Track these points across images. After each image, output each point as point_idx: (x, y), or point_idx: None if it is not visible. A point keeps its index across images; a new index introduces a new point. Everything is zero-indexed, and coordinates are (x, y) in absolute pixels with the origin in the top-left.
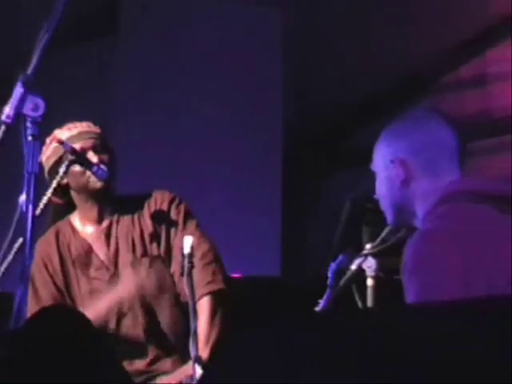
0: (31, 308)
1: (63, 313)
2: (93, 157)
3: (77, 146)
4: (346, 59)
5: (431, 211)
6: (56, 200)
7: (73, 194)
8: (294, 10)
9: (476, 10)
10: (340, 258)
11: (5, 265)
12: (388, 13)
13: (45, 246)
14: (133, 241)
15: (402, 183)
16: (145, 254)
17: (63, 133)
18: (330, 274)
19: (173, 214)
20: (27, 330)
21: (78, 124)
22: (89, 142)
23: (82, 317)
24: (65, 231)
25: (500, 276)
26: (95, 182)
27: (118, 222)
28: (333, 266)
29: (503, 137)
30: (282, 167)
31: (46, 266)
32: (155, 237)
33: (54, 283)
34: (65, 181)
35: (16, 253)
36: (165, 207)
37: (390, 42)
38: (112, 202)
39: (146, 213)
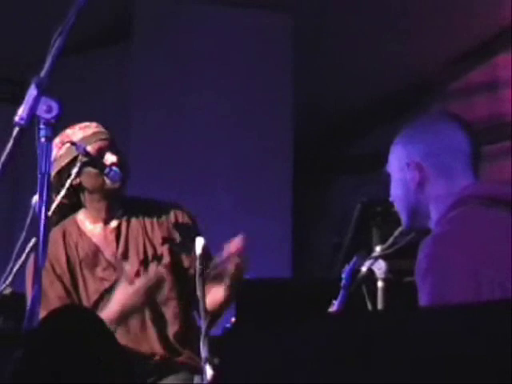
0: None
1: (77, 313)
2: (111, 156)
3: (94, 146)
4: (355, 64)
5: (445, 215)
6: (63, 200)
7: (85, 193)
8: (304, 14)
9: (486, 15)
10: (354, 259)
11: (18, 265)
12: (397, 17)
13: (52, 247)
14: (144, 245)
15: (417, 186)
16: (154, 258)
17: (76, 133)
18: (344, 275)
19: (190, 233)
20: (41, 330)
21: (88, 124)
22: (105, 142)
23: (96, 317)
24: (71, 231)
25: None
26: (113, 183)
27: (128, 223)
28: (348, 267)
29: None
30: (293, 170)
31: (53, 267)
32: (166, 246)
33: (62, 284)
34: (77, 181)
35: (29, 253)
36: (184, 223)
37: (399, 48)
38: (122, 202)
39: (164, 222)
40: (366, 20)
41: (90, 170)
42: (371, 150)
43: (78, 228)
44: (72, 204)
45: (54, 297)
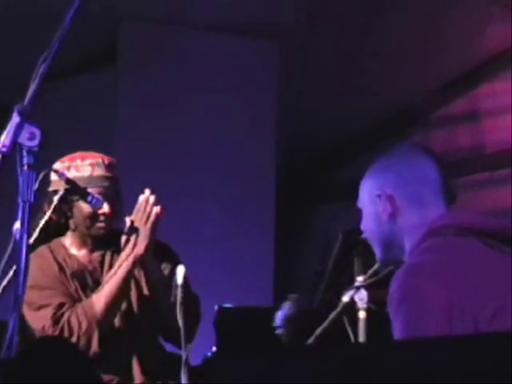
0: (42, 313)
1: (56, 343)
2: (107, 207)
3: (95, 190)
4: (341, 92)
5: (418, 245)
6: (52, 216)
7: (72, 222)
8: (290, 41)
9: (468, 45)
10: (286, 304)
11: None
12: (382, 46)
13: (41, 258)
14: None
15: (390, 217)
16: (136, 288)
17: (85, 168)
18: (278, 321)
19: (168, 265)
20: (19, 359)
21: (99, 161)
22: (107, 190)
23: (75, 349)
24: (58, 251)
25: (485, 310)
26: (97, 229)
27: (111, 254)
28: (280, 312)
29: (497, 171)
30: (277, 196)
31: (49, 269)
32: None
33: (61, 282)
34: (67, 207)
35: (9, 282)
36: (164, 253)
37: (382, 78)
38: (106, 236)
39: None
40: (352, 48)
41: (81, 206)
42: (355, 177)
43: (65, 249)
44: (58, 223)
45: (57, 292)
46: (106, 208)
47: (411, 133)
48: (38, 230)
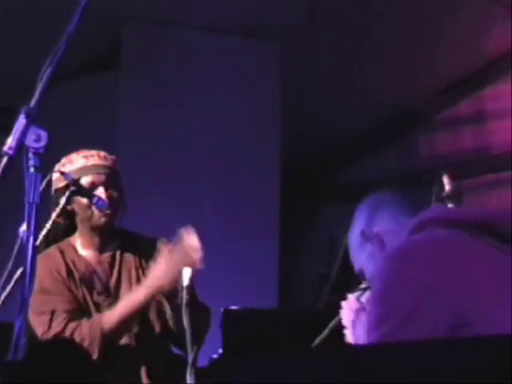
0: (43, 318)
1: (63, 346)
2: (102, 193)
3: (88, 178)
4: (344, 93)
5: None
6: (58, 220)
7: (77, 221)
8: (293, 42)
9: (470, 45)
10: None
11: (4, 295)
12: (386, 47)
13: (50, 260)
14: (136, 278)
15: (380, 252)
16: None
17: (78, 160)
18: None
19: None
20: (26, 362)
21: (94, 153)
22: (101, 177)
23: (82, 351)
24: (67, 251)
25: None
26: (99, 218)
27: (121, 256)
28: None
29: (502, 172)
30: (281, 198)
31: (57, 273)
32: None
33: (68, 288)
34: (71, 207)
35: (15, 283)
36: None
37: (384, 79)
38: (115, 235)
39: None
40: (354, 49)
41: (81, 200)
42: (359, 179)
43: (74, 250)
44: (66, 225)
45: (61, 300)
46: (102, 193)
47: (414, 134)
48: (44, 233)
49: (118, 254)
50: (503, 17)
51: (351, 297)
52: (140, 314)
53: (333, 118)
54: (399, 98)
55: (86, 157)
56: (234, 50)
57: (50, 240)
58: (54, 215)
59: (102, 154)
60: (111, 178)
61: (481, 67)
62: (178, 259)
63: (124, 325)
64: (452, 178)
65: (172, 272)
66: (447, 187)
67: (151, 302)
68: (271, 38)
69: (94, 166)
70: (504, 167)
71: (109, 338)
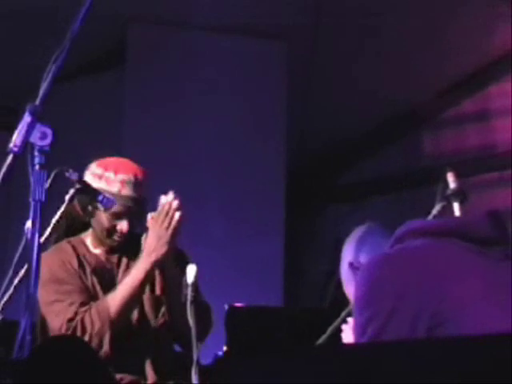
0: (57, 307)
1: (69, 343)
2: (124, 225)
3: (116, 209)
4: (348, 93)
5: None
6: (77, 210)
7: (92, 226)
8: (299, 41)
9: (475, 44)
10: None
11: (9, 292)
12: (391, 47)
13: (62, 252)
14: None
15: None
16: (151, 291)
17: (114, 184)
18: None
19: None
20: (32, 359)
21: (131, 178)
22: (129, 209)
23: (88, 348)
24: (79, 247)
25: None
26: (113, 242)
27: (128, 258)
28: None
29: (506, 170)
30: (286, 197)
31: (69, 264)
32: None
33: (80, 279)
34: (88, 218)
35: (21, 280)
36: (177, 255)
37: (392, 78)
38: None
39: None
40: (359, 49)
41: (100, 216)
42: (364, 178)
43: (86, 247)
44: (67, 225)
45: (76, 288)
46: (124, 226)
47: (418, 134)
48: (57, 225)
49: (124, 257)
50: (506, 15)
51: (351, 320)
52: (143, 292)
53: (338, 118)
54: (404, 97)
55: (122, 182)
56: (240, 49)
57: (67, 230)
58: (61, 209)
59: (140, 177)
60: (139, 207)
61: (484, 65)
62: (162, 221)
63: (128, 305)
64: (457, 176)
65: (161, 237)
66: (452, 185)
67: (151, 276)
68: (277, 37)
69: (126, 197)
70: (508, 165)
71: (116, 320)
